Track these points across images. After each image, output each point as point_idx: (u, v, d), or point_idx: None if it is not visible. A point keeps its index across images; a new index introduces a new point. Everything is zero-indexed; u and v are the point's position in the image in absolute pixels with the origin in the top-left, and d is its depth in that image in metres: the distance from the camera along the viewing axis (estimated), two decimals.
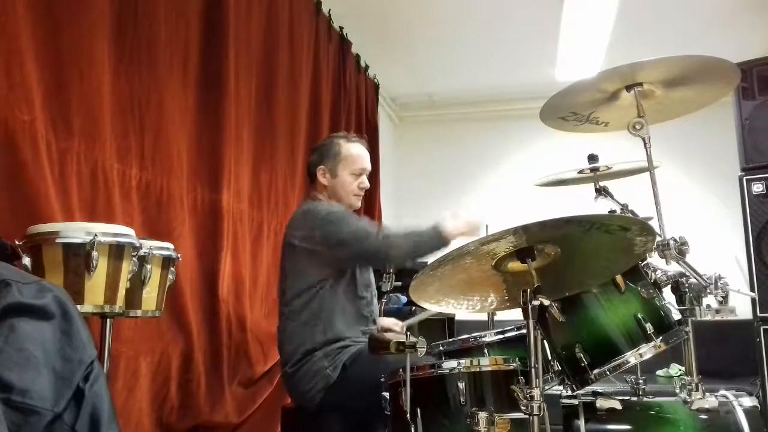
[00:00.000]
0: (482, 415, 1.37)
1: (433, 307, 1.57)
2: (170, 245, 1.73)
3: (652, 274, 1.57)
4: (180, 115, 2.32)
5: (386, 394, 1.58)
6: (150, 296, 1.64)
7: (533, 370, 1.26)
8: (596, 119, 1.81)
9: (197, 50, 2.44)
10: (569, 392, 1.57)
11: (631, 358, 1.48)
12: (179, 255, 1.76)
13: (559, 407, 1.56)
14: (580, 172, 1.95)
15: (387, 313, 2.60)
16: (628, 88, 1.66)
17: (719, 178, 4.27)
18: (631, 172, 1.97)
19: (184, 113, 2.36)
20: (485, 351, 1.76)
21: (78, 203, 1.83)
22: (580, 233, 1.34)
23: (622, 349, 1.49)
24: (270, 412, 2.66)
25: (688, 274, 1.54)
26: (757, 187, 2.94)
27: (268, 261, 2.90)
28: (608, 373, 1.49)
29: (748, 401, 1.50)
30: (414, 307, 3.37)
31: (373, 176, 2.44)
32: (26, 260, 1.39)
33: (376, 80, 4.68)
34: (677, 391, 1.54)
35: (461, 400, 1.47)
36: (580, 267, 1.49)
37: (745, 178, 2.99)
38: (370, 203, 4.24)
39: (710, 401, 1.48)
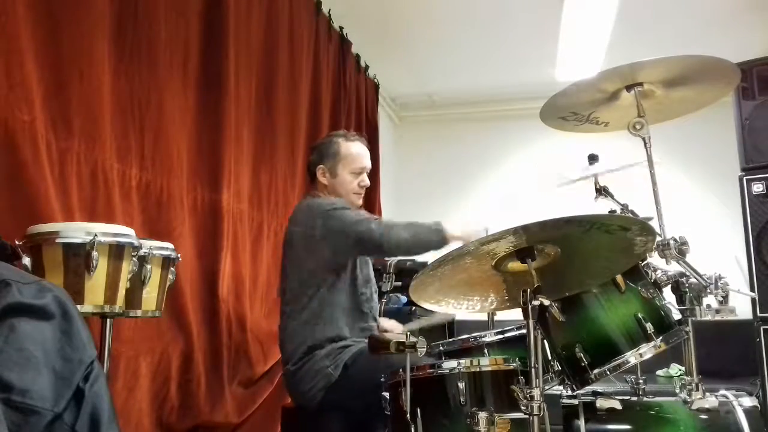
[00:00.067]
0: (482, 415, 1.38)
1: (433, 307, 1.57)
2: (170, 245, 1.73)
3: (652, 274, 1.57)
4: (180, 115, 2.32)
5: (386, 394, 1.58)
6: (150, 296, 1.64)
7: (533, 370, 1.26)
8: (596, 119, 1.81)
9: (197, 50, 2.44)
10: (569, 392, 1.56)
11: (631, 358, 1.48)
12: (179, 255, 1.76)
13: (559, 407, 1.56)
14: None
15: (387, 313, 2.61)
16: (628, 88, 1.66)
17: (719, 178, 4.27)
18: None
19: (184, 113, 2.36)
20: (485, 351, 1.75)
21: (78, 203, 1.83)
22: (580, 233, 1.34)
23: (622, 348, 1.49)
24: (270, 412, 2.66)
25: (688, 274, 1.54)
26: (757, 187, 2.94)
27: (268, 261, 2.90)
28: (608, 373, 1.49)
29: (748, 401, 1.50)
30: (414, 308, 3.37)
31: (373, 176, 2.44)
32: (26, 260, 1.39)
33: (376, 80, 4.68)
34: (677, 391, 1.54)
35: (461, 400, 1.47)
36: (580, 267, 1.49)
37: (745, 178, 2.99)
38: (370, 203, 4.23)
39: (710, 401, 1.48)
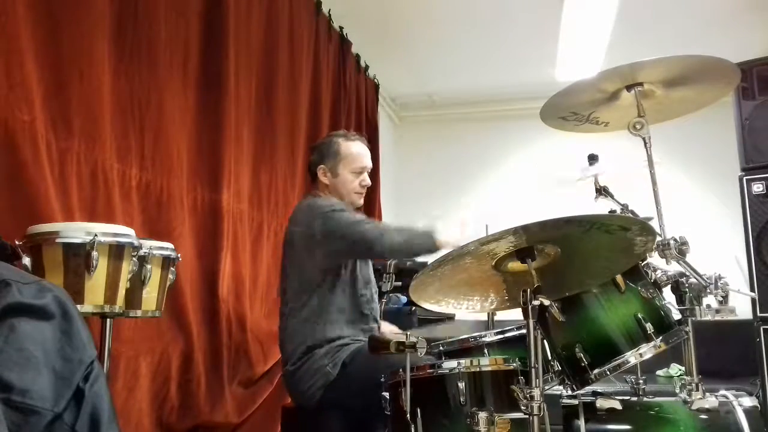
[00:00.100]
0: (482, 415, 1.37)
1: (433, 307, 1.57)
2: (170, 245, 1.73)
3: (652, 274, 1.57)
4: (180, 115, 2.32)
5: (386, 394, 1.58)
6: (150, 296, 1.64)
7: (533, 370, 1.26)
8: (596, 119, 1.81)
9: (197, 50, 2.44)
10: (569, 392, 1.56)
11: (631, 358, 1.48)
12: (179, 255, 1.76)
13: (559, 407, 1.56)
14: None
15: (387, 313, 2.60)
16: (628, 88, 1.66)
17: (719, 178, 4.27)
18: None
19: (184, 113, 2.36)
20: (485, 351, 1.75)
21: (78, 203, 1.83)
22: (580, 233, 1.34)
23: (622, 349, 1.49)
24: (270, 411, 2.66)
25: (688, 274, 1.53)
26: (757, 187, 2.94)
27: (268, 261, 2.90)
28: (608, 373, 1.49)
29: (748, 401, 1.50)
30: (414, 308, 3.37)
31: (373, 176, 2.45)
32: (26, 260, 1.39)
33: (376, 80, 4.68)
34: (677, 391, 1.54)
35: (461, 400, 1.47)
36: (580, 267, 1.49)
37: (745, 178, 2.98)
38: (371, 203, 4.24)
39: (710, 401, 1.48)
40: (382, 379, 1.64)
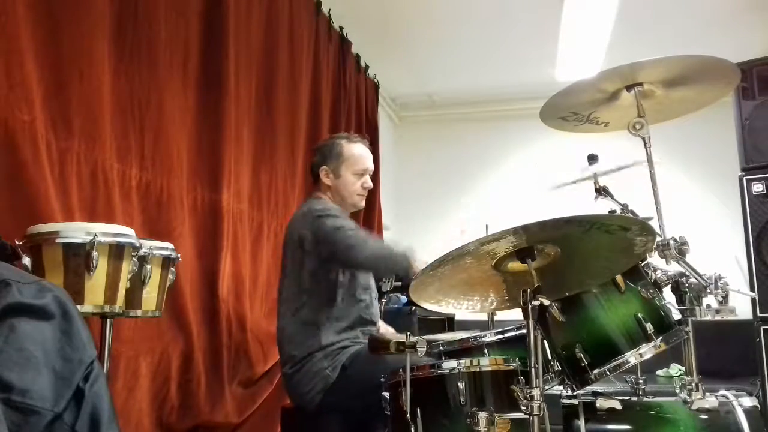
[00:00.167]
0: (482, 415, 1.37)
1: (433, 307, 1.57)
2: (170, 245, 1.73)
3: (652, 274, 1.57)
4: (180, 115, 2.32)
5: (386, 394, 1.58)
6: (150, 296, 1.64)
7: (533, 370, 1.26)
8: (596, 119, 1.81)
9: (197, 50, 2.44)
10: (569, 392, 1.56)
11: (631, 358, 1.48)
12: (179, 255, 1.76)
13: (559, 407, 1.56)
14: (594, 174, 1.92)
15: (387, 313, 2.61)
16: (628, 88, 1.66)
17: (719, 178, 4.27)
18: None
19: (184, 113, 2.36)
20: (485, 351, 1.75)
21: (78, 203, 1.83)
22: (580, 233, 1.34)
23: (622, 349, 1.49)
24: (270, 412, 2.66)
25: (688, 274, 1.54)
26: (757, 187, 2.94)
27: (268, 261, 2.90)
28: (608, 373, 1.49)
29: (748, 401, 1.50)
30: (414, 308, 3.37)
31: (374, 176, 2.45)
32: (26, 260, 1.39)
33: (376, 80, 4.68)
34: (677, 391, 1.54)
35: (461, 400, 1.47)
36: (580, 267, 1.49)
37: (745, 178, 2.99)
38: (370, 203, 4.23)
39: (710, 401, 1.48)
40: (382, 380, 1.64)
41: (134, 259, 1.54)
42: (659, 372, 3.88)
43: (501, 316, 2.33)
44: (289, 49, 3.16)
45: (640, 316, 1.49)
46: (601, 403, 1.54)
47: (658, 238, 1.50)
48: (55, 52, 1.79)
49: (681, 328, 1.51)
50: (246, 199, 2.76)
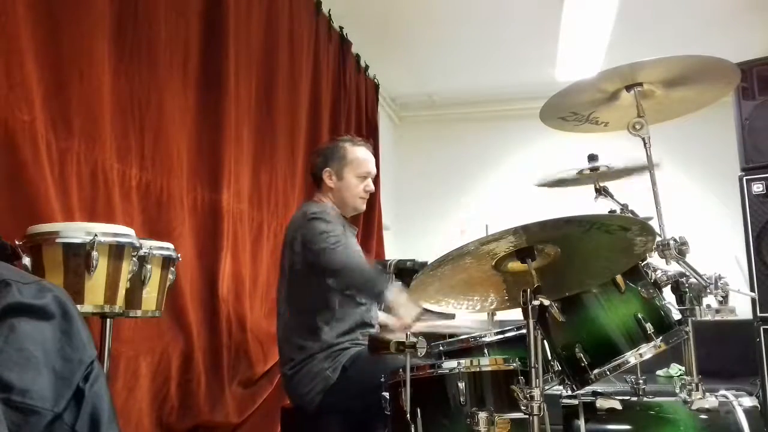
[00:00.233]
0: (482, 415, 1.37)
1: (433, 307, 1.57)
2: (170, 245, 1.73)
3: (652, 274, 1.57)
4: (180, 115, 2.32)
5: (386, 394, 1.58)
6: (150, 296, 1.64)
7: (533, 370, 1.26)
8: (596, 119, 1.81)
9: (197, 50, 2.44)
10: (569, 392, 1.56)
11: (631, 358, 1.48)
12: (179, 255, 1.76)
13: (559, 407, 1.56)
14: (580, 172, 1.94)
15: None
16: (628, 88, 1.66)
17: (719, 178, 4.27)
18: (630, 171, 1.96)
19: (184, 113, 2.36)
20: (485, 351, 1.75)
21: (78, 203, 1.82)
22: (580, 233, 1.34)
23: (622, 349, 1.49)
24: (270, 412, 2.66)
25: (688, 274, 1.54)
26: (757, 187, 2.94)
27: (268, 261, 2.90)
28: (608, 373, 1.49)
29: (748, 401, 1.50)
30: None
31: (374, 176, 2.46)
32: (26, 260, 1.39)
33: (376, 80, 4.68)
34: (677, 391, 1.54)
35: (461, 400, 1.47)
36: (580, 267, 1.49)
37: (745, 178, 2.98)
38: (371, 203, 4.21)
39: (710, 401, 1.48)
40: (382, 380, 1.64)
41: (134, 259, 1.54)
42: (659, 372, 3.88)
43: (501, 316, 2.33)
44: (289, 49, 3.16)
45: (640, 316, 1.49)
46: (601, 403, 1.54)
47: (658, 238, 1.50)
48: (55, 52, 1.79)
49: (681, 328, 1.51)
50: (246, 199, 2.76)
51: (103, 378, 0.87)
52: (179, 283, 2.16)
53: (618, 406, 1.54)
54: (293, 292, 2.24)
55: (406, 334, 1.49)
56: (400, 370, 1.50)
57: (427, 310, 1.98)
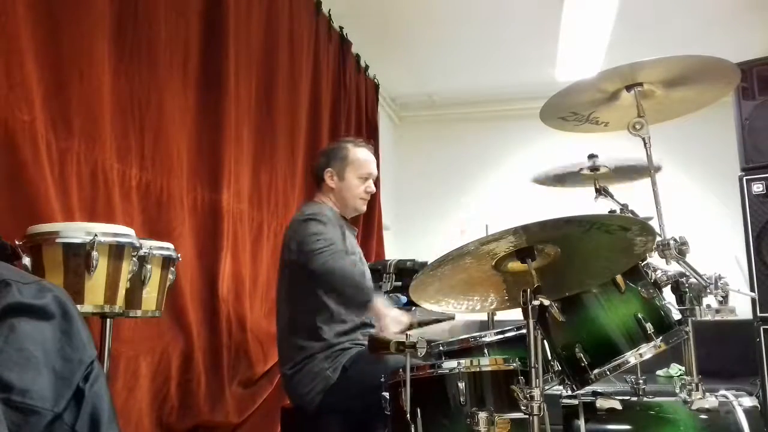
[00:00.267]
0: (482, 415, 1.37)
1: (433, 307, 1.57)
2: (170, 245, 1.73)
3: (652, 274, 1.57)
4: (180, 115, 2.32)
5: (386, 394, 1.58)
6: (150, 296, 1.64)
7: (533, 370, 1.26)
8: (596, 119, 1.81)
9: (197, 50, 2.44)
10: (569, 392, 1.56)
11: (631, 358, 1.48)
12: (179, 255, 1.76)
13: (559, 407, 1.56)
14: (581, 170, 1.94)
15: None
16: (628, 88, 1.66)
17: (719, 178, 4.27)
18: (631, 171, 1.96)
19: (184, 113, 2.36)
20: (485, 351, 1.75)
21: (78, 203, 1.82)
22: (580, 233, 1.34)
23: (622, 349, 1.49)
24: (270, 412, 2.66)
25: (688, 274, 1.54)
26: (757, 187, 2.94)
27: (268, 261, 2.90)
28: (608, 373, 1.49)
29: (748, 401, 1.50)
30: (414, 308, 3.37)
31: None
32: (26, 260, 1.39)
33: (376, 80, 4.68)
34: (677, 391, 1.54)
35: (461, 400, 1.47)
36: (580, 267, 1.49)
37: (745, 178, 2.98)
38: (371, 203, 4.21)
39: (710, 401, 1.48)
40: (382, 380, 1.64)
41: (134, 259, 1.54)
42: (659, 372, 3.88)
43: (501, 316, 2.33)
44: (289, 49, 3.16)
45: (640, 316, 1.49)
46: (601, 403, 1.54)
47: (658, 238, 1.50)
48: (55, 52, 1.79)
49: (681, 328, 1.51)
50: (246, 199, 2.76)
51: (103, 378, 0.87)
52: (179, 283, 2.16)
53: (618, 406, 1.54)
54: (293, 292, 2.25)
55: (406, 335, 1.49)
56: (400, 370, 1.50)
57: (421, 322, 2.00)
